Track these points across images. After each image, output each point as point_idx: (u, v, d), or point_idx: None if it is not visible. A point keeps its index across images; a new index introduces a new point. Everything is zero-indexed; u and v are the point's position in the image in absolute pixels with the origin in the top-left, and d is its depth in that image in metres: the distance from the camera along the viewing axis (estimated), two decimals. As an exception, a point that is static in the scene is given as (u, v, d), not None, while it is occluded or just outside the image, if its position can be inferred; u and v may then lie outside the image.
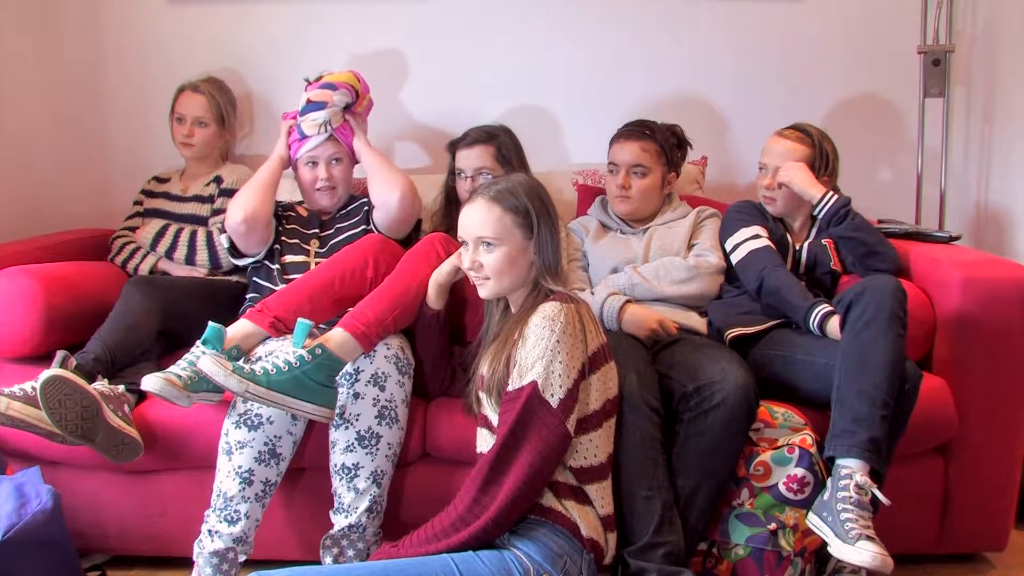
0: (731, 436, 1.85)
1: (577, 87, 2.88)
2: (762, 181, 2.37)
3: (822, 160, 2.33)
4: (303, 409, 1.79)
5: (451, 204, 2.55)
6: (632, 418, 1.80)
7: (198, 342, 1.90)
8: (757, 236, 2.29)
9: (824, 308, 2.02)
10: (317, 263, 2.29)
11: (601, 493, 1.71)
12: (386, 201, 2.30)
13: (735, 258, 2.29)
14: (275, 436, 1.88)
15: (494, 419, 1.70)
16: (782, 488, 1.86)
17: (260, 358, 1.93)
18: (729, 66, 2.88)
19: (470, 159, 2.45)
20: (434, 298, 1.97)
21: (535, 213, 1.75)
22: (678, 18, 2.87)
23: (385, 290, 1.98)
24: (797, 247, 2.34)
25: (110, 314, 2.14)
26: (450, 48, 2.88)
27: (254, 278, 2.33)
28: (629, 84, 2.88)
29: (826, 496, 1.78)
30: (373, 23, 2.88)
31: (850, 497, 1.74)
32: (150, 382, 1.79)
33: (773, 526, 1.85)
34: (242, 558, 1.87)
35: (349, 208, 2.46)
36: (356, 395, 1.89)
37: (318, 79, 2.44)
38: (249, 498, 1.86)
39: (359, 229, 2.37)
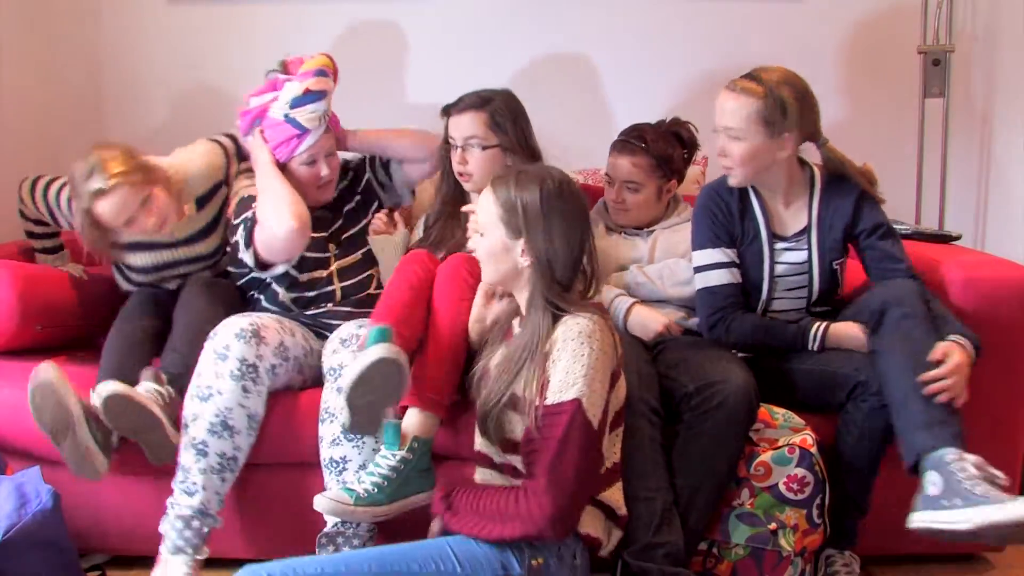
0: (732, 437, 1.85)
1: (578, 89, 2.88)
2: (720, 148, 2.08)
3: (777, 112, 1.99)
4: (418, 501, 1.82)
5: (445, 177, 2.37)
6: (632, 419, 1.79)
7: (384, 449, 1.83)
8: (718, 265, 2.09)
9: (819, 327, 2.00)
10: (340, 266, 2.25)
11: (614, 496, 1.69)
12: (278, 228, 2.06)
13: (696, 282, 2.13)
14: (226, 408, 1.89)
15: (516, 428, 1.64)
16: (782, 488, 1.86)
17: (361, 468, 1.87)
18: (729, 66, 2.87)
19: (460, 127, 2.26)
20: (476, 341, 1.91)
21: (524, 216, 1.62)
22: (677, 18, 2.87)
23: (437, 347, 1.91)
24: (795, 255, 2.09)
25: (177, 321, 2.14)
26: (449, 48, 2.88)
27: (255, 285, 2.26)
28: (629, 85, 2.88)
29: (935, 491, 1.71)
30: (374, 23, 2.87)
31: (976, 474, 1.70)
32: (321, 504, 1.75)
33: (773, 526, 1.85)
34: (205, 530, 1.89)
35: (343, 187, 2.35)
36: (339, 389, 1.87)
37: (284, 68, 2.25)
38: (205, 470, 1.87)
39: (372, 209, 2.34)
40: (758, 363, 2.03)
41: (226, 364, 1.91)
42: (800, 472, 1.86)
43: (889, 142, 2.92)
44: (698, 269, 2.12)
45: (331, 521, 1.88)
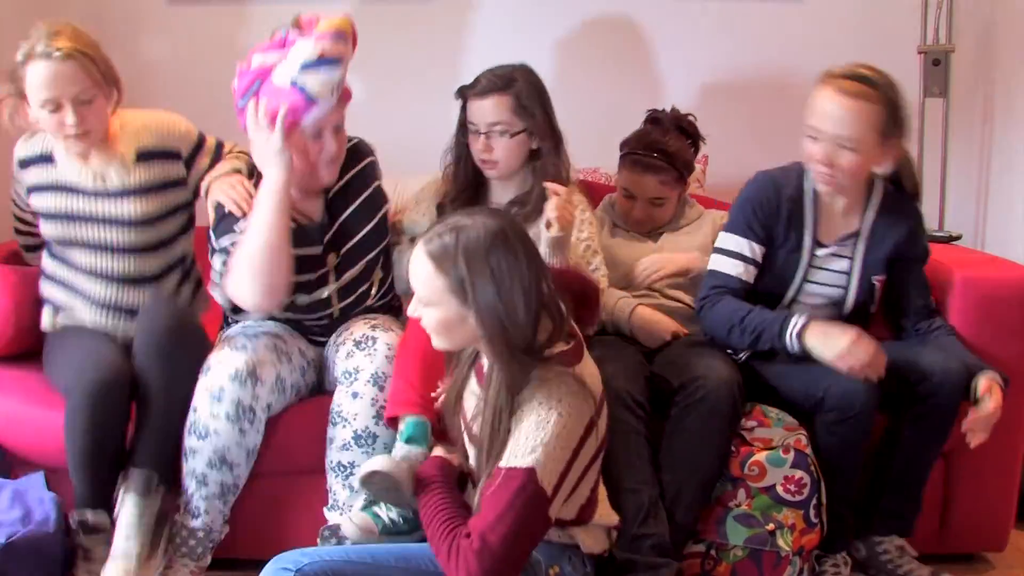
0: (715, 431, 1.86)
1: (578, 89, 2.88)
2: (814, 152, 1.89)
3: (891, 119, 1.87)
4: None
5: (461, 164, 2.20)
6: (616, 412, 1.78)
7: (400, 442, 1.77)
8: (739, 257, 2.00)
9: (796, 324, 1.88)
10: (340, 285, 2.04)
11: (604, 513, 1.63)
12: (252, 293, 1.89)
13: (709, 261, 2.06)
14: (223, 446, 1.86)
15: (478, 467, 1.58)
16: (780, 490, 1.86)
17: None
18: (729, 66, 2.88)
19: (483, 112, 2.10)
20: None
21: (471, 282, 1.44)
22: (677, 18, 2.87)
23: (408, 360, 1.83)
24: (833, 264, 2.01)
25: (145, 426, 1.93)
26: (451, 48, 2.88)
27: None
28: (628, 85, 2.88)
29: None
30: (374, 23, 2.87)
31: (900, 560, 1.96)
32: (349, 529, 1.70)
33: (771, 527, 1.86)
34: (210, 543, 1.90)
35: (343, 183, 2.05)
36: (355, 394, 1.87)
37: (296, 24, 1.94)
38: (207, 497, 1.88)
39: (375, 221, 2.06)
40: (748, 363, 2.03)
41: (221, 406, 1.84)
42: (797, 473, 1.86)
43: (889, 142, 2.92)
44: (718, 249, 2.04)
45: (332, 515, 1.88)
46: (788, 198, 2.00)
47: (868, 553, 2.00)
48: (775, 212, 1.99)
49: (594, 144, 2.42)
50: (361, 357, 1.89)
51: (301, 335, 2.10)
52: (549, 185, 1.96)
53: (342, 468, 1.88)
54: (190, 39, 2.86)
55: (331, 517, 1.88)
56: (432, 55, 2.87)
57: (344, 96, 1.98)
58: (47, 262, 2.16)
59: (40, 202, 2.09)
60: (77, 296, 2.12)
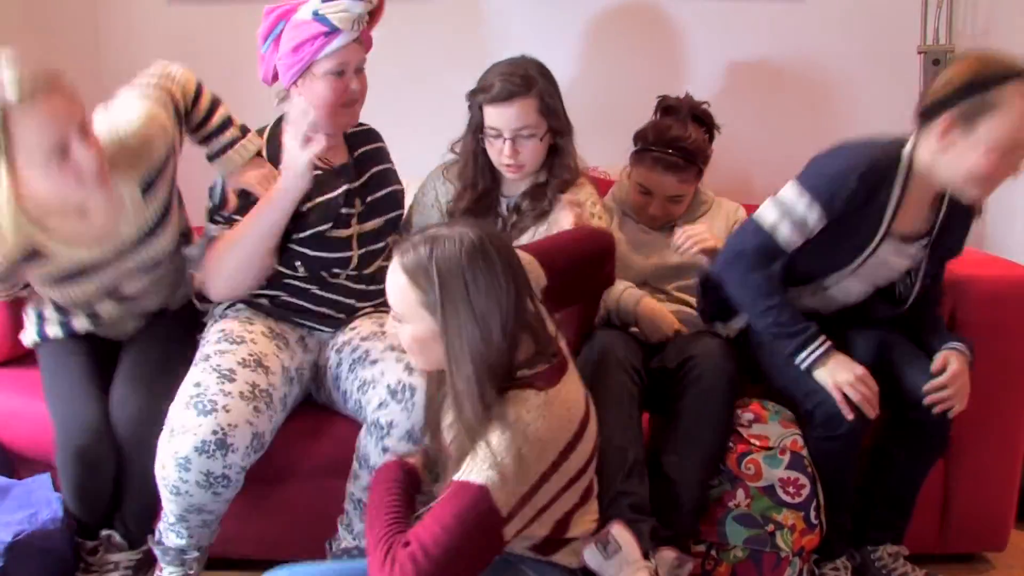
0: (711, 404, 1.88)
1: (577, 89, 2.88)
2: (993, 168, 1.73)
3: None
4: None
5: (473, 165, 2.13)
6: (613, 374, 1.84)
7: None
8: (798, 222, 1.83)
9: (819, 349, 1.84)
10: (361, 230, 2.01)
11: (581, 524, 1.55)
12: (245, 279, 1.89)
13: (761, 210, 1.87)
14: (199, 504, 1.73)
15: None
16: (779, 491, 1.86)
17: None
18: (728, 66, 2.88)
19: (506, 118, 2.02)
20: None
21: (441, 299, 1.37)
22: (677, 18, 2.87)
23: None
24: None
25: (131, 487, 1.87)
26: (452, 48, 2.88)
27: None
28: (628, 84, 2.88)
29: None
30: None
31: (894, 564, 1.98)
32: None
33: (771, 527, 1.85)
34: (197, 553, 1.83)
35: (368, 149, 2.10)
36: (385, 449, 1.75)
37: None
38: (190, 526, 1.78)
39: (395, 187, 2.10)
40: (742, 342, 2.04)
41: (190, 475, 1.67)
42: (793, 475, 1.87)
43: (889, 142, 2.92)
44: (781, 205, 1.85)
45: (347, 537, 1.86)
46: (870, 185, 1.83)
47: (863, 560, 2.01)
48: (857, 197, 1.81)
49: (594, 144, 2.41)
50: (397, 410, 1.73)
51: (298, 324, 2.00)
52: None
53: (363, 505, 1.80)
54: (190, 39, 2.85)
55: (345, 539, 1.86)
56: (429, 54, 2.87)
57: (366, 38, 1.98)
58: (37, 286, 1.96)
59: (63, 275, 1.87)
60: (77, 313, 2.01)
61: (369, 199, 2.04)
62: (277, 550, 1.94)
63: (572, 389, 1.49)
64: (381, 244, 2.07)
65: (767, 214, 1.87)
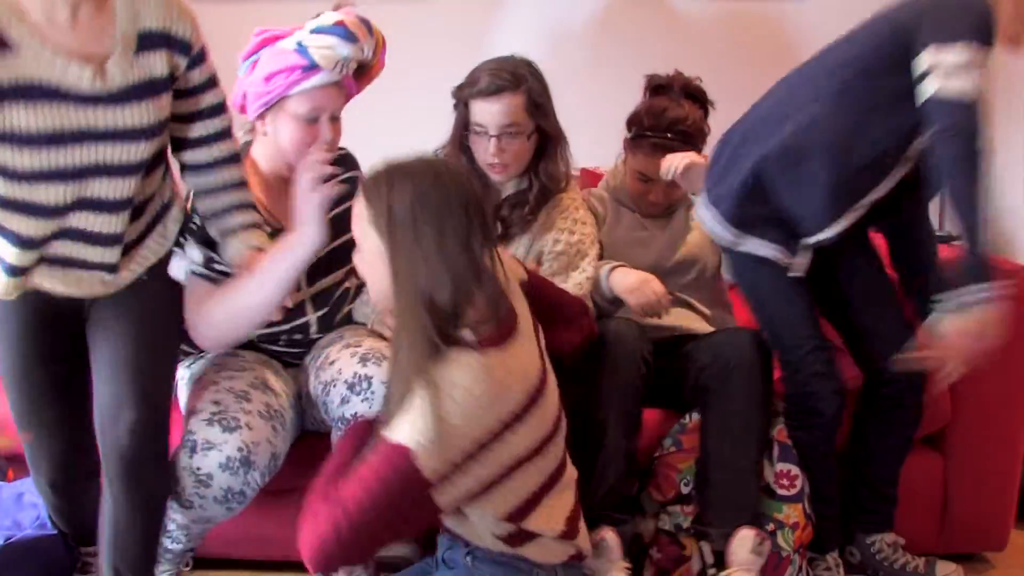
0: (756, 386, 1.86)
1: (576, 89, 2.88)
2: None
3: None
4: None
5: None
6: (622, 367, 1.83)
7: None
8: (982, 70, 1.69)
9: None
10: (315, 291, 1.84)
11: (546, 516, 1.45)
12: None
13: (935, 84, 1.66)
14: (209, 517, 1.70)
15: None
16: (774, 485, 1.86)
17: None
18: (728, 65, 2.88)
19: (494, 114, 1.94)
20: None
21: (391, 223, 1.33)
22: (677, 17, 2.87)
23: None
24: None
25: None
26: (449, 48, 2.88)
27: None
28: (628, 85, 2.87)
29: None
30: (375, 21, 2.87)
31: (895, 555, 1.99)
32: None
33: (771, 527, 1.85)
34: (190, 554, 1.84)
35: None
36: None
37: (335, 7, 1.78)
38: (189, 534, 1.78)
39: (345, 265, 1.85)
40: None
41: (209, 490, 1.63)
42: (785, 467, 1.87)
43: (889, 142, 2.92)
44: (948, 68, 1.68)
45: None
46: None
47: (862, 554, 2.00)
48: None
49: (592, 144, 2.41)
50: (358, 402, 1.70)
51: (273, 358, 1.90)
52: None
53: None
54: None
55: None
56: (421, 54, 2.87)
57: (348, 86, 1.82)
58: None
59: (21, 119, 1.43)
60: (30, 249, 1.55)
61: (325, 251, 1.75)
62: (277, 550, 1.94)
63: (521, 357, 1.40)
64: (340, 292, 1.91)
65: (959, 84, 1.69)
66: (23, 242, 1.53)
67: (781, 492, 1.86)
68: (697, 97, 2.15)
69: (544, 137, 2.04)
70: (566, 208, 2.05)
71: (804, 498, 1.87)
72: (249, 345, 1.87)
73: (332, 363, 1.79)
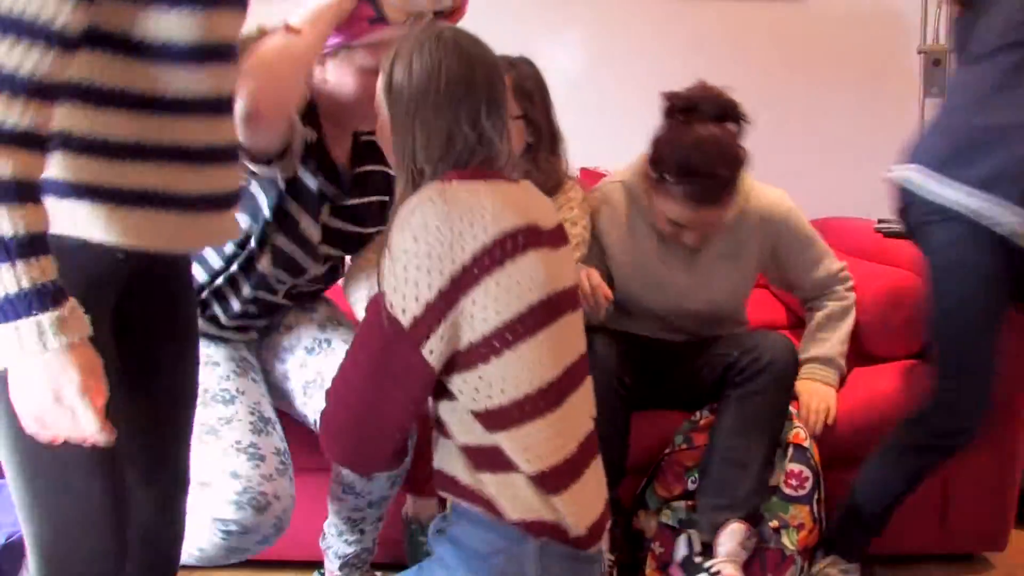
0: (782, 391, 1.86)
1: (577, 89, 2.88)
2: None
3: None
4: None
5: None
6: (597, 386, 1.43)
7: None
8: None
9: None
10: (327, 248, 1.71)
11: (522, 443, 1.21)
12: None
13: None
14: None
15: None
16: (783, 486, 1.86)
17: None
18: (729, 66, 2.87)
19: None
20: None
21: (396, 86, 1.23)
22: (678, 18, 2.87)
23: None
24: None
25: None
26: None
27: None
28: (628, 85, 2.88)
29: None
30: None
31: None
32: None
33: (775, 523, 1.85)
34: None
35: (372, 158, 1.75)
36: None
37: None
38: None
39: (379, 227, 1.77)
40: None
41: (223, 551, 1.61)
42: (796, 467, 1.87)
43: (889, 142, 2.92)
44: None
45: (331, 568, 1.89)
46: None
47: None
48: None
49: (591, 145, 2.42)
50: (319, 359, 1.71)
51: (234, 331, 1.77)
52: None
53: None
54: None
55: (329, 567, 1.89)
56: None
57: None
58: None
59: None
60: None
61: (343, 230, 1.73)
62: (276, 549, 1.94)
63: (505, 191, 1.24)
64: (318, 287, 1.86)
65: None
66: None
67: (788, 492, 1.86)
68: (731, 116, 1.85)
69: (536, 132, 1.95)
70: (560, 206, 1.97)
71: (813, 501, 1.87)
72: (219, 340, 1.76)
73: (287, 334, 1.81)
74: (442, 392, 1.23)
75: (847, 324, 2.01)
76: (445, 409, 1.25)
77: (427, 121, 1.21)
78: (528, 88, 1.91)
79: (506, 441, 1.20)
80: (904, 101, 2.89)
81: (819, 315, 2.02)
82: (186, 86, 1.10)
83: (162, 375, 1.30)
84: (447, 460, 1.27)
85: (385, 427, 1.21)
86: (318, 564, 1.93)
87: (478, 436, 1.22)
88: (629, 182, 1.98)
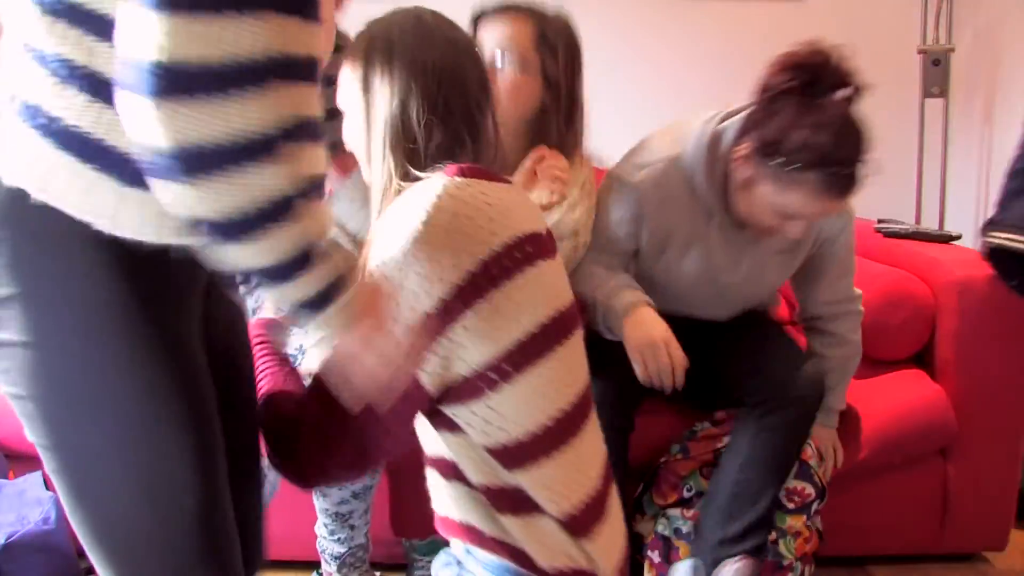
0: (803, 429, 1.77)
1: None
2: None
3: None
4: None
5: None
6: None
7: None
8: None
9: None
10: None
11: (545, 482, 1.08)
12: None
13: None
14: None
15: None
16: (783, 499, 1.84)
17: None
18: (729, 66, 2.88)
19: (495, 33, 1.66)
20: None
21: (370, 59, 1.12)
22: (678, 18, 2.87)
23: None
24: None
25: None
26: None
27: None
28: (628, 85, 2.88)
29: None
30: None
31: None
32: None
33: (772, 535, 1.83)
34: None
35: None
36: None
37: None
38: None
39: None
40: None
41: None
42: (799, 484, 1.84)
43: (889, 142, 2.91)
44: None
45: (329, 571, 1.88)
46: None
47: None
48: None
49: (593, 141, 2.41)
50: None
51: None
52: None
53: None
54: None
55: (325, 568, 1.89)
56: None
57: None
58: None
59: None
60: None
61: None
62: (276, 550, 1.94)
63: (511, 195, 1.12)
64: None
65: None
66: None
67: (788, 505, 1.84)
68: (847, 81, 1.54)
69: (554, 93, 1.75)
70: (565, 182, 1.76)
71: (809, 512, 1.85)
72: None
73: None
74: (449, 427, 1.09)
75: (853, 370, 1.93)
76: (454, 446, 1.09)
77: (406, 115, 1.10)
78: (553, 42, 1.69)
79: (525, 479, 1.07)
80: (904, 101, 2.89)
81: (835, 359, 1.85)
82: None
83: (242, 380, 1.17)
84: (460, 506, 1.12)
85: (349, 425, 1.01)
86: (317, 564, 1.93)
87: (497, 476, 1.08)
88: (683, 162, 1.70)
